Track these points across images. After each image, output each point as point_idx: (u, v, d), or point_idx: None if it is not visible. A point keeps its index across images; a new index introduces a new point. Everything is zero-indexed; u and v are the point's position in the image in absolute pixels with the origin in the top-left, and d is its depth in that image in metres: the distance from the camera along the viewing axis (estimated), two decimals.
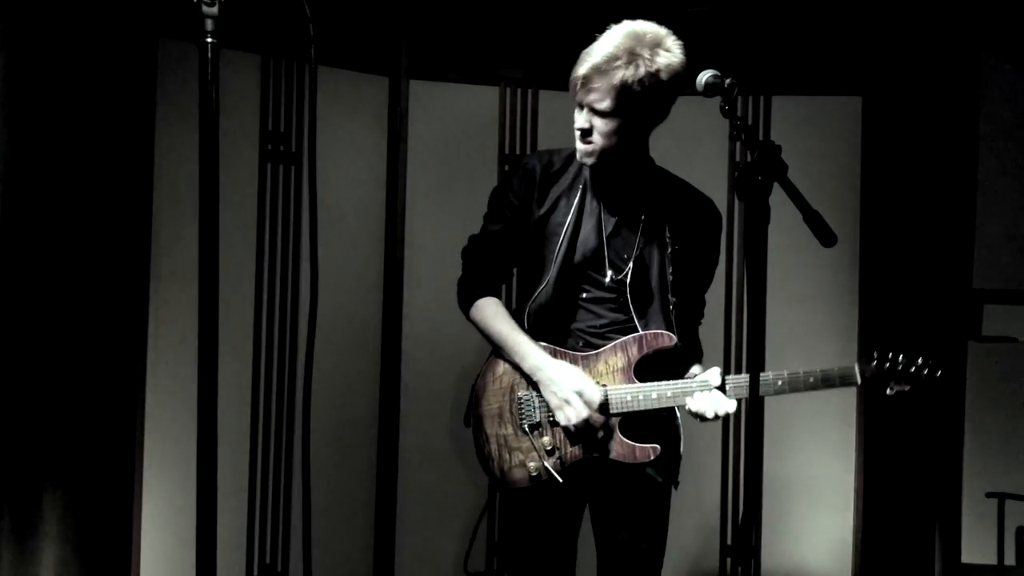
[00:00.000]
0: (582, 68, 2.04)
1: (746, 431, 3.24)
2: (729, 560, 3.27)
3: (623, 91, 2.02)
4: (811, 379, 2.13)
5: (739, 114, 1.78)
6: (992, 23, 3.31)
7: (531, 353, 2.14)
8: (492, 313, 2.21)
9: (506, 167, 3.26)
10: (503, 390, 2.19)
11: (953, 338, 3.33)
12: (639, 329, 2.15)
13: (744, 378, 2.11)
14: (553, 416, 2.13)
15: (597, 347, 2.17)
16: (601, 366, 2.16)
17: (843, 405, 3.22)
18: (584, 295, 2.18)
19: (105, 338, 2.74)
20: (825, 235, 1.55)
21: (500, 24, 3.47)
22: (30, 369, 2.67)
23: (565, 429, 2.12)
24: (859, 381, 2.17)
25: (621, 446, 2.13)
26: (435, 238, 3.22)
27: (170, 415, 2.74)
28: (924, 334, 3.35)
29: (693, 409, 2.10)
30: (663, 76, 2.04)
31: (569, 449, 2.13)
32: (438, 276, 3.21)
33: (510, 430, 2.17)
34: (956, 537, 3.30)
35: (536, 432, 2.15)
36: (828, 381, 2.15)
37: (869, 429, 3.23)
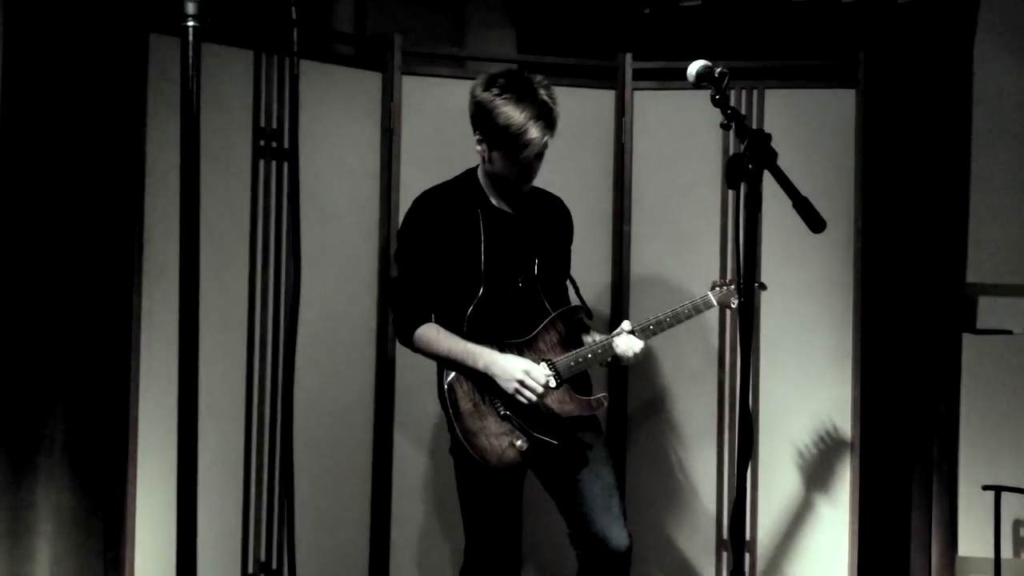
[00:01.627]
0: (547, 136, 2.41)
1: (739, 418, 3.24)
2: (726, 553, 3.27)
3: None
4: (686, 311, 2.59)
5: (730, 104, 1.79)
6: (985, 17, 3.31)
7: (480, 354, 2.46)
8: (434, 335, 2.51)
9: None
10: (470, 390, 2.49)
11: (948, 331, 3.33)
12: (551, 312, 2.55)
13: (646, 320, 2.58)
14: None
15: (530, 333, 2.53)
16: (542, 345, 2.54)
17: (839, 397, 3.21)
18: (510, 295, 2.52)
19: (97, 333, 2.74)
20: (814, 221, 1.56)
21: (491, 19, 3.47)
22: (20, 363, 2.67)
23: (532, 407, 2.46)
24: (715, 304, 2.64)
25: (578, 403, 2.55)
26: None
27: (163, 412, 2.73)
28: (920, 327, 3.36)
29: (618, 352, 2.54)
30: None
31: (544, 416, 2.48)
32: None
33: (489, 420, 2.48)
34: (953, 530, 3.30)
35: (513, 413, 2.47)
36: (697, 309, 2.62)
37: (865, 422, 3.22)
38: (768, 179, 1.71)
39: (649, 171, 3.31)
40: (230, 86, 2.89)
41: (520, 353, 2.50)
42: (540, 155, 2.46)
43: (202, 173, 2.74)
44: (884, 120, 3.37)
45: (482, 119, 2.43)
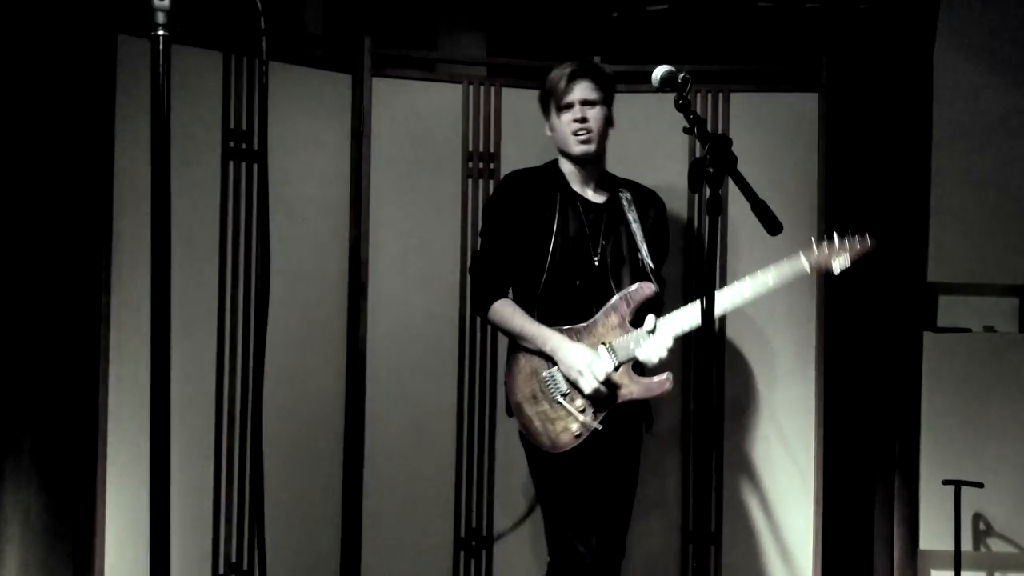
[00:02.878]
0: (568, 69, 2.60)
1: (697, 420, 3.29)
2: (692, 547, 3.32)
3: (605, 81, 2.64)
4: (768, 278, 2.47)
5: (693, 108, 1.83)
6: (945, 21, 3.37)
7: (549, 338, 2.55)
8: (509, 312, 2.62)
9: (469, 164, 3.28)
10: (529, 376, 2.59)
11: (909, 329, 3.39)
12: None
13: (678, 313, 2.50)
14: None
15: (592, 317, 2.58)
16: (601, 328, 2.57)
17: (803, 394, 3.27)
18: (577, 281, 2.59)
19: (64, 336, 2.73)
20: (771, 224, 1.60)
21: (463, 21, 3.49)
22: None
23: (589, 396, 2.50)
24: (808, 269, 2.49)
25: (639, 385, 2.54)
26: (399, 235, 3.24)
27: (132, 414, 2.73)
28: (882, 325, 3.42)
29: (642, 358, 2.50)
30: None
31: (602, 401, 2.52)
32: (402, 273, 3.23)
33: (545, 406, 2.56)
34: (914, 524, 3.36)
35: (567, 399, 2.53)
36: (781, 276, 2.48)
37: (829, 418, 3.28)
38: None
39: (617, 173, 3.34)
40: (199, 88, 2.90)
41: (579, 337, 2.56)
42: (589, 104, 2.60)
43: (172, 176, 2.76)
44: (847, 123, 3.43)
45: (540, 100, 2.70)
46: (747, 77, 3.35)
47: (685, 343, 3.31)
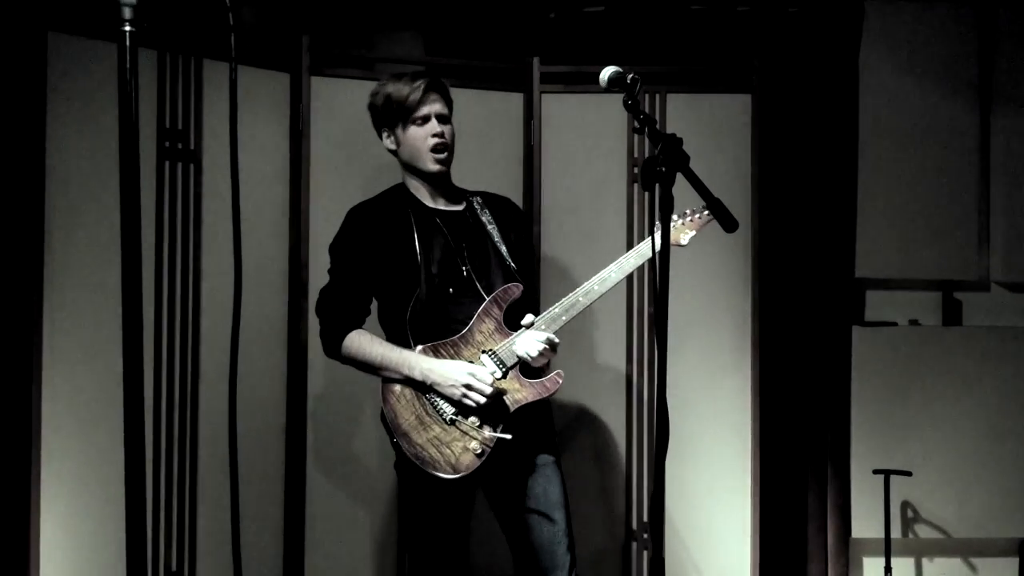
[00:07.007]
0: (422, 83, 2.52)
1: (653, 416, 3.34)
2: (635, 544, 3.36)
3: (450, 100, 2.59)
4: (629, 259, 2.48)
5: (641, 108, 1.85)
6: (870, 26, 3.49)
7: (416, 363, 2.38)
8: (366, 342, 2.45)
9: None
10: (410, 401, 2.39)
11: (838, 323, 3.50)
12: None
13: (557, 307, 2.45)
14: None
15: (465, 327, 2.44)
16: (479, 336, 2.43)
17: (739, 387, 3.34)
18: (450, 290, 2.46)
19: None
20: (727, 221, 1.63)
21: (401, 20, 3.48)
22: None
23: (481, 408, 2.34)
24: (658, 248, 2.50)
25: (531, 388, 2.41)
26: None
27: (67, 421, 2.66)
28: (813, 319, 3.52)
29: (520, 354, 2.39)
30: None
31: (495, 412, 2.36)
32: None
33: (437, 429, 2.36)
34: (846, 513, 3.46)
35: (460, 417, 2.35)
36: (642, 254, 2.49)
37: (764, 411, 3.36)
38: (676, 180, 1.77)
39: (557, 172, 3.37)
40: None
41: (456, 350, 2.41)
42: (443, 120, 2.54)
43: (106, 175, 2.69)
44: (778, 123, 3.52)
45: (380, 110, 2.56)
46: (682, 78, 3.41)
47: (627, 339, 3.36)
